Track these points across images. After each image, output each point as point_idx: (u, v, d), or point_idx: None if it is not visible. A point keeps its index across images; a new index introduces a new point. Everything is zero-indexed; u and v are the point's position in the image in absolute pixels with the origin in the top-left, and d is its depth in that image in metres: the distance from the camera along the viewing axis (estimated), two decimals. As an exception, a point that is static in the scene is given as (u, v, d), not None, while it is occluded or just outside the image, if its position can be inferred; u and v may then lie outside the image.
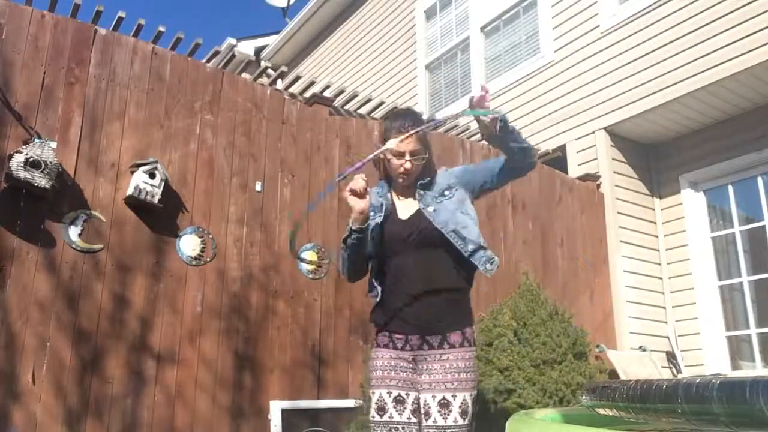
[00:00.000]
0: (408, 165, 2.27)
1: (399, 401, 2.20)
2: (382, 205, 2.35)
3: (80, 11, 3.69)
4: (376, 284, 2.32)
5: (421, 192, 2.34)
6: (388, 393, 2.20)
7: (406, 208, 2.36)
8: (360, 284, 4.09)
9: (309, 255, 3.94)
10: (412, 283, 2.23)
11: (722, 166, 5.52)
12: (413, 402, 2.21)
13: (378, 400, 2.21)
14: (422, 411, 2.17)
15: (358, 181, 2.17)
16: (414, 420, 2.20)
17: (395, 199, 2.40)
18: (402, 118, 2.32)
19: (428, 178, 2.37)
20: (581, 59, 5.99)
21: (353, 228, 2.23)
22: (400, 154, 2.27)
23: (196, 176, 3.68)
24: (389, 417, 2.18)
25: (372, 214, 2.30)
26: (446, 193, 2.35)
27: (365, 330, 4.00)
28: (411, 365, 2.24)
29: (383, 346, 2.27)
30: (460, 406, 2.13)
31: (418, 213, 2.31)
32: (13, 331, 2.97)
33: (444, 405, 2.13)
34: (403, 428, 2.18)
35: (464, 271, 2.30)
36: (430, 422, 2.14)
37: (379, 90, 7.95)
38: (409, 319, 2.22)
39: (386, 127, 2.36)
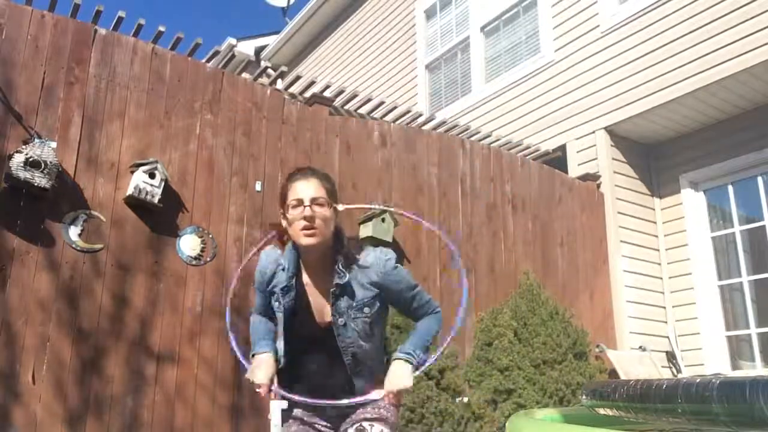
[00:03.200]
0: (308, 212, 1.85)
1: None
2: (288, 287, 1.95)
3: (80, 11, 3.69)
4: (282, 348, 2.02)
5: (336, 291, 1.92)
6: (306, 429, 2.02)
7: (316, 299, 1.97)
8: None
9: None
10: (328, 381, 1.99)
11: (722, 166, 5.52)
12: None
13: None
14: None
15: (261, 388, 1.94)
16: None
17: (304, 277, 1.98)
18: (298, 171, 1.98)
19: (342, 262, 1.93)
20: (581, 59, 5.99)
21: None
22: (298, 202, 1.88)
23: (196, 176, 3.68)
24: None
25: (279, 303, 1.97)
26: (365, 309, 1.95)
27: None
28: (328, 425, 2.06)
29: (296, 408, 2.05)
30: None
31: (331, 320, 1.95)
32: (14, 330, 2.97)
33: (360, 430, 1.95)
34: None
35: (378, 355, 2.05)
36: None
37: (379, 90, 7.95)
38: (325, 407, 2.00)
39: (284, 185, 1.98)
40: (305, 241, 1.88)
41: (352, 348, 1.95)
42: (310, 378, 2.02)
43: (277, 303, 1.99)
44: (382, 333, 2.09)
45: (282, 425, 2.03)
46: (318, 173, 1.97)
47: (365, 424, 1.94)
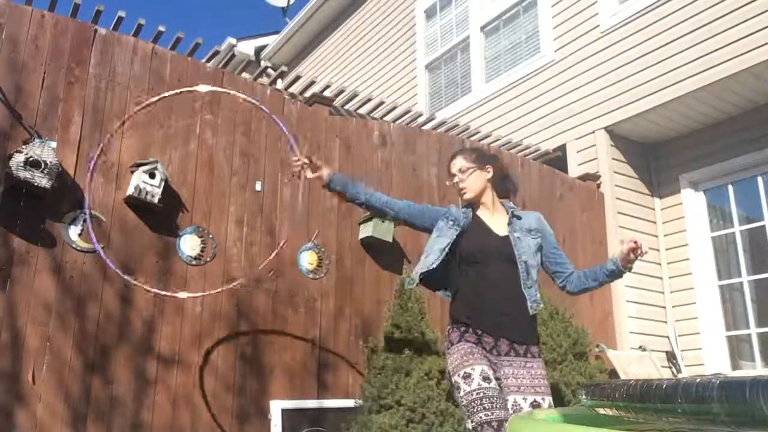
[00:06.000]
0: (454, 183, 2.65)
1: (494, 378, 2.37)
2: (460, 222, 2.62)
3: (80, 11, 3.69)
4: (448, 288, 2.62)
5: (513, 219, 2.65)
6: (489, 368, 2.35)
7: (497, 225, 2.64)
8: (361, 285, 4.10)
9: (309, 255, 3.94)
10: (506, 293, 2.49)
11: (722, 166, 5.52)
12: None
13: (482, 372, 2.32)
14: (511, 411, 2.35)
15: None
16: None
17: (484, 218, 2.66)
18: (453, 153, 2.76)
19: (518, 207, 2.73)
20: (581, 59, 5.99)
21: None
22: (451, 176, 2.68)
23: (196, 176, 3.68)
24: (496, 386, 2.32)
25: (451, 223, 2.62)
26: (533, 232, 2.64)
27: (365, 330, 4.00)
28: (494, 366, 2.41)
29: (473, 343, 2.42)
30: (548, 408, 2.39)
31: (508, 235, 2.60)
32: (14, 331, 2.97)
33: (535, 407, 2.37)
34: (502, 400, 2.33)
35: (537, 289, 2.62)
36: None
37: (379, 90, 7.95)
38: (505, 326, 2.44)
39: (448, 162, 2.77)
40: (461, 198, 2.68)
41: (525, 257, 2.54)
42: (490, 305, 2.47)
43: (450, 222, 2.63)
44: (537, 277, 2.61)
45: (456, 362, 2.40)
46: (461, 153, 2.75)
47: (538, 398, 2.39)
